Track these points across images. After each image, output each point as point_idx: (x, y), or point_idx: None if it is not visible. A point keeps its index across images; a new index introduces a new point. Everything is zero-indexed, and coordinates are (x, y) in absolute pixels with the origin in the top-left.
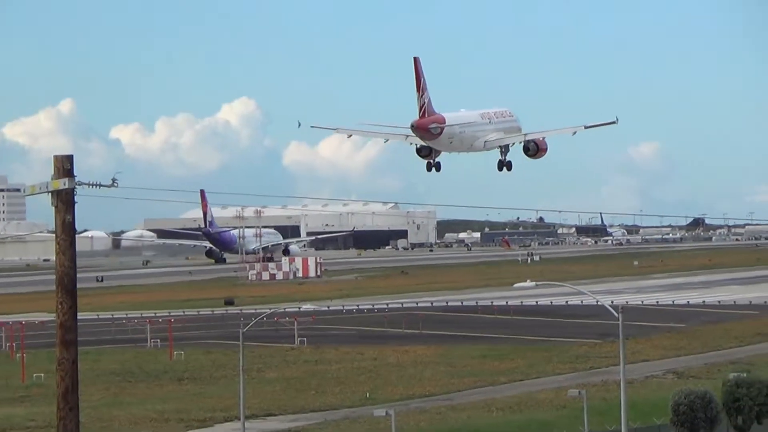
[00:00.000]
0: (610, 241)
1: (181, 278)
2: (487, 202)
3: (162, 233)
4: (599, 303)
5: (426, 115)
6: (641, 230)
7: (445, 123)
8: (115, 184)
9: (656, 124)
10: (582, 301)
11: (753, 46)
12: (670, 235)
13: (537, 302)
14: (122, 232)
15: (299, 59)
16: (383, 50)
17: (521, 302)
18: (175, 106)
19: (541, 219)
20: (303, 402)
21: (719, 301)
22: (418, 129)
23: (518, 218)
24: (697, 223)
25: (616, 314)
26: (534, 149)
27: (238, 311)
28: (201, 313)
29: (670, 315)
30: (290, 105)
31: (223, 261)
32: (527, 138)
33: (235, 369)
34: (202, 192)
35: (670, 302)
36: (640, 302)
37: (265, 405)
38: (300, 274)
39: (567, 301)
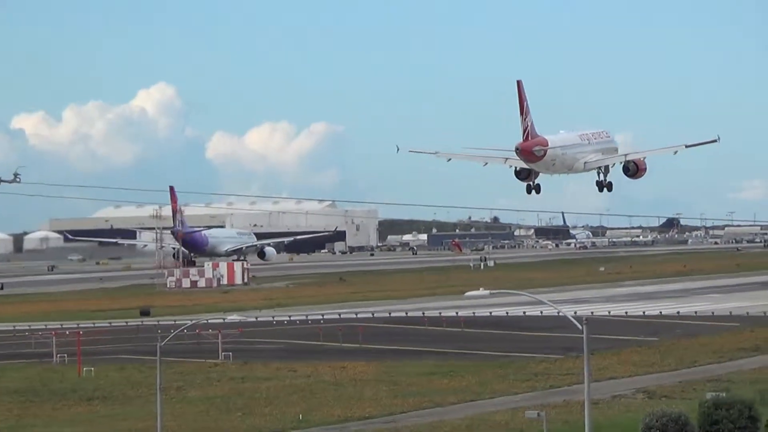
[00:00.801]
0: (573, 245)
1: (90, 285)
2: (436, 199)
3: (75, 233)
4: (561, 314)
5: (529, 138)
6: (608, 232)
7: (548, 145)
8: (18, 180)
9: (627, 113)
10: (542, 312)
11: (734, 35)
12: (641, 237)
13: (491, 313)
14: (25, 233)
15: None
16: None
17: (473, 313)
18: (85, 92)
19: (496, 219)
20: (228, 424)
21: (696, 312)
22: (523, 152)
23: (470, 218)
24: (671, 224)
25: (579, 326)
26: (634, 169)
27: (155, 322)
28: (113, 324)
29: (641, 327)
30: (214, 92)
31: (192, 263)
32: (627, 158)
33: (151, 387)
34: (171, 190)
35: (641, 313)
36: (606, 313)
37: (186, 428)
38: (225, 281)
39: (525, 312)
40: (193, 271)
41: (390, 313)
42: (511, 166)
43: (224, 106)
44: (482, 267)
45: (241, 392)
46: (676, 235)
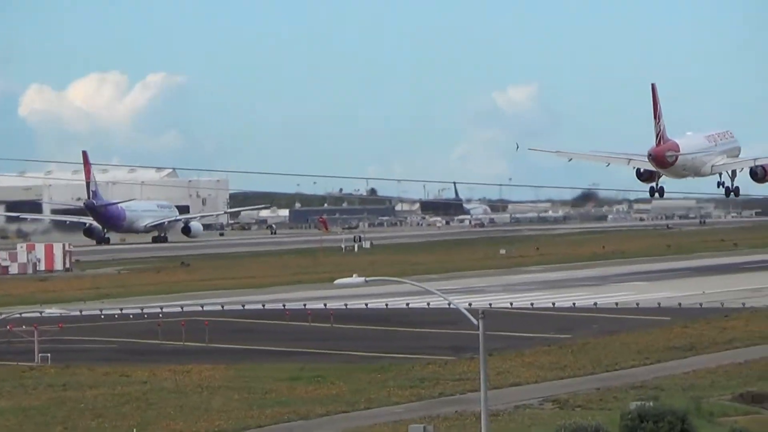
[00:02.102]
0: (467, 222)
1: None
2: (299, 167)
3: None
4: (452, 306)
5: (661, 143)
6: (510, 206)
7: (679, 151)
8: None
9: (533, 60)
10: (429, 304)
11: None
12: (550, 212)
13: (367, 305)
14: None
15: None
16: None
17: (345, 305)
18: None
19: (372, 191)
20: None
21: (616, 304)
22: (655, 158)
23: (341, 190)
24: (587, 196)
25: (474, 321)
26: (762, 174)
27: None
28: None
29: (550, 322)
30: (27, 35)
31: (106, 241)
32: (757, 163)
33: None
34: (84, 154)
35: (550, 305)
36: (508, 305)
37: None
38: (42, 267)
39: (408, 304)
40: (2, 254)
41: (244, 306)
42: (633, 167)
43: (40, 53)
44: (356, 249)
45: (62, 402)
46: (593, 210)
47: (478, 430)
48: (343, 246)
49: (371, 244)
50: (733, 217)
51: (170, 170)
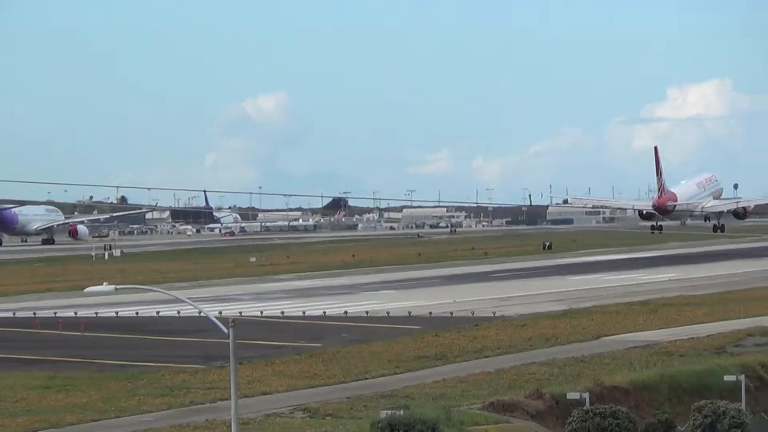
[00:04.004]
0: (218, 230)
1: None
2: (48, 175)
3: None
4: (203, 314)
5: (662, 195)
6: (261, 215)
7: (677, 201)
8: None
9: (283, 68)
10: (179, 312)
11: None
12: (300, 221)
13: (117, 313)
14: None
15: None
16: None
17: (96, 313)
18: None
19: (123, 199)
20: None
21: (367, 312)
22: (659, 208)
23: (92, 198)
24: (338, 204)
25: (224, 329)
26: (743, 213)
27: None
28: None
29: (300, 331)
30: None
31: None
32: (739, 204)
33: None
34: None
35: (300, 313)
36: (258, 313)
37: None
38: None
39: (159, 312)
40: None
41: None
42: (635, 210)
43: None
44: (106, 257)
45: None
46: (344, 219)
47: None
48: (93, 254)
49: (122, 252)
50: (483, 226)
51: None
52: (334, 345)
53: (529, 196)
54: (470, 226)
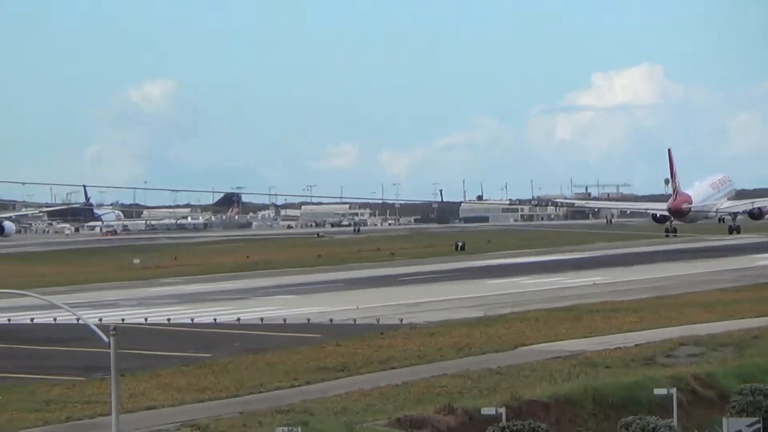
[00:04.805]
0: (98, 229)
1: None
2: None
3: None
4: (81, 321)
5: (677, 197)
6: (146, 212)
7: (692, 203)
8: None
9: (171, 52)
10: (56, 319)
11: None
12: (189, 219)
13: None
14: None
15: None
16: None
17: None
18: None
19: None
20: None
21: (262, 319)
22: (674, 211)
23: None
24: (230, 201)
25: (105, 338)
26: (758, 214)
27: None
28: None
29: (189, 339)
30: None
31: None
32: (755, 205)
33: None
34: None
35: (189, 320)
36: (142, 320)
37: None
38: None
39: (33, 319)
40: None
41: None
42: (650, 213)
43: None
44: None
45: None
46: (237, 216)
47: None
48: None
49: None
50: (389, 224)
51: None
52: (226, 355)
53: (441, 191)
54: (375, 225)
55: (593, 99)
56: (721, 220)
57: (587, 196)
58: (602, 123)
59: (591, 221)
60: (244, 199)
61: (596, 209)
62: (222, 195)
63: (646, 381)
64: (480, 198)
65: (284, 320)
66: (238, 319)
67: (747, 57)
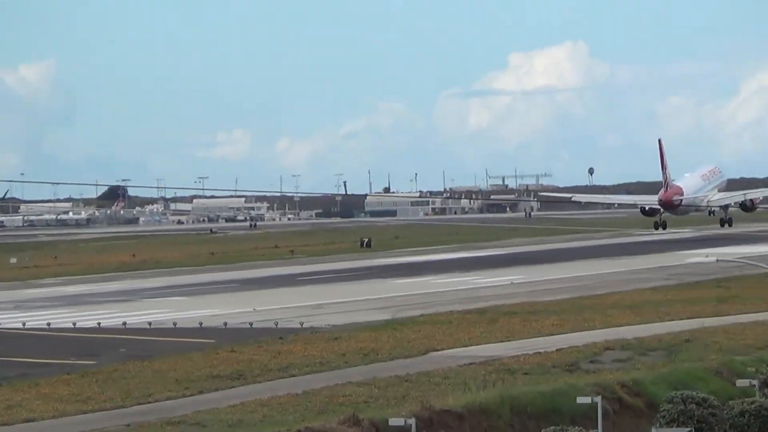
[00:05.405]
0: None
1: None
2: None
3: None
4: None
5: (668, 189)
6: (23, 207)
7: (683, 194)
8: None
9: (50, 31)
10: None
11: None
12: (71, 214)
13: None
14: None
15: None
16: None
17: None
18: None
19: None
20: None
21: (150, 323)
22: (665, 203)
23: None
24: (115, 194)
25: None
26: (750, 205)
27: None
28: None
29: (70, 345)
30: None
31: None
32: (747, 196)
33: None
34: None
35: (70, 325)
36: (20, 325)
37: None
38: None
39: None
40: None
41: None
42: (638, 206)
43: None
44: None
45: None
46: (122, 211)
47: None
48: None
49: None
50: (289, 219)
51: None
52: (112, 362)
53: (344, 183)
54: (274, 220)
55: (511, 82)
56: (711, 212)
57: (504, 188)
58: (521, 108)
59: (509, 215)
60: (131, 192)
61: (582, 202)
62: (106, 188)
63: (568, 389)
64: (387, 190)
65: (174, 324)
66: (125, 323)
67: (679, 31)
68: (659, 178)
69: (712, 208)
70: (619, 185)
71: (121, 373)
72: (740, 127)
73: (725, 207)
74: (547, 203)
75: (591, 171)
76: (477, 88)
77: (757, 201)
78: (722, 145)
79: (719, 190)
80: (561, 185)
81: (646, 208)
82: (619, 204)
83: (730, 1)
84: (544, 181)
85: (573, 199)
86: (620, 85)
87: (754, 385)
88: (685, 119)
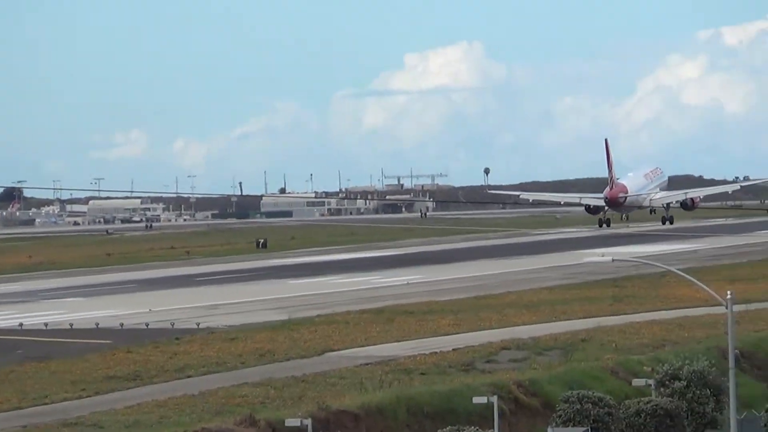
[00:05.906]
0: None
1: None
2: None
3: None
4: None
5: (613, 187)
6: None
7: (628, 192)
8: None
9: None
10: None
11: None
12: None
13: None
14: None
15: None
16: None
17: None
18: None
19: None
20: None
21: (46, 324)
22: (611, 200)
23: None
24: (10, 195)
25: None
26: (691, 205)
27: None
28: None
29: None
30: None
31: None
32: (688, 196)
33: None
34: None
35: None
36: None
37: None
38: None
39: None
40: None
41: None
42: (582, 204)
43: None
44: None
45: None
46: (18, 213)
47: None
48: None
49: None
50: (185, 220)
51: None
52: (7, 364)
53: (240, 184)
54: (170, 221)
55: (406, 82)
56: (652, 210)
57: (400, 188)
58: (416, 108)
59: (404, 215)
60: (27, 193)
61: (529, 200)
62: (2, 189)
63: (464, 389)
64: (283, 191)
65: (71, 325)
66: (21, 325)
67: (575, 31)
68: (552, 178)
69: (654, 207)
70: (513, 185)
71: (17, 374)
72: (637, 125)
73: (667, 205)
74: (442, 203)
75: (487, 171)
76: (373, 87)
77: (698, 200)
78: (618, 143)
79: (661, 189)
80: (456, 185)
81: (591, 206)
82: (565, 202)
83: (626, 1)
84: (440, 181)
85: (521, 197)
86: (516, 85)
87: (650, 385)
88: (581, 118)
